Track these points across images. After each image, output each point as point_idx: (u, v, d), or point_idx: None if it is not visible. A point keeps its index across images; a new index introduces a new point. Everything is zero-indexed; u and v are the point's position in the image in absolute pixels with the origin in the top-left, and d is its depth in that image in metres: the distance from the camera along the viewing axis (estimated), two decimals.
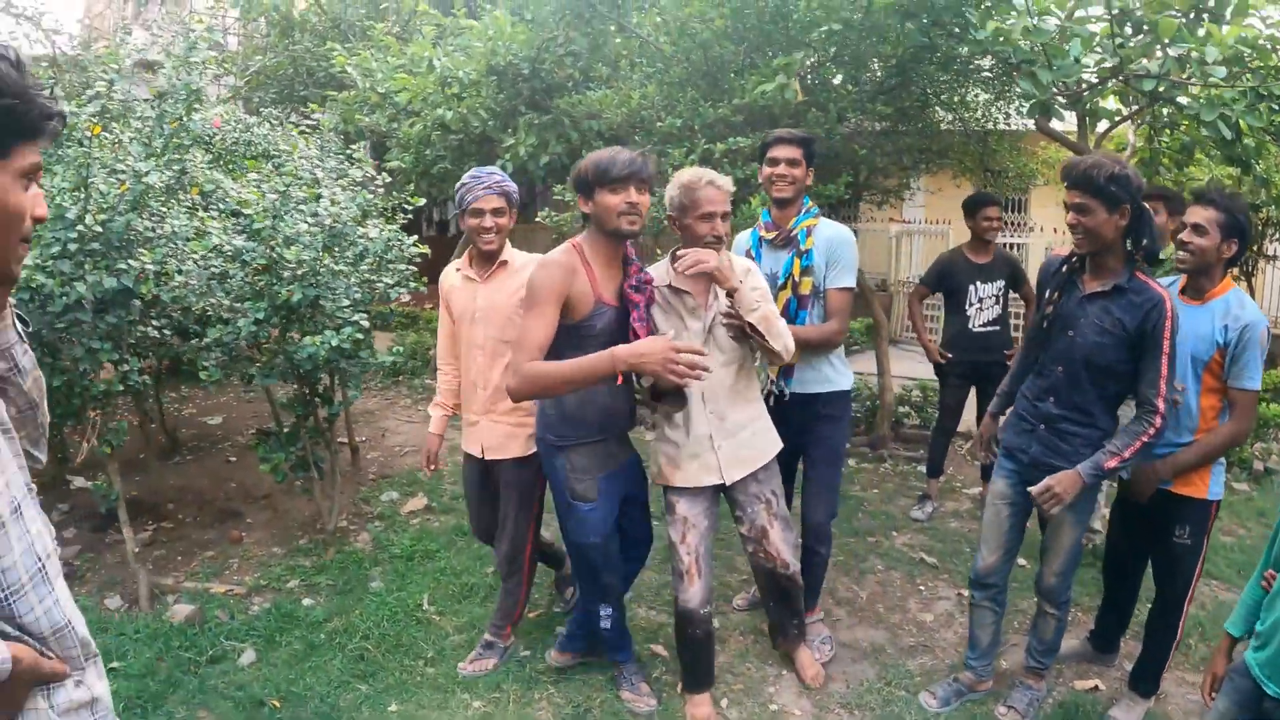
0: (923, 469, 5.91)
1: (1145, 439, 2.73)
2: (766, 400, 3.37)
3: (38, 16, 7.48)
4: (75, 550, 4.59)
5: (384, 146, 7.41)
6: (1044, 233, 11.87)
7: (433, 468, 3.59)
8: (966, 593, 4.17)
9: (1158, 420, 2.71)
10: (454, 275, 3.41)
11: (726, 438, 2.98)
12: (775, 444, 3.13)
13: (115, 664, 3.51)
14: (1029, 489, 2.88)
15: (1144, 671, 3.28)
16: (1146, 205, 2.72)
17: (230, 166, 5.29)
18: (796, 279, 3.37)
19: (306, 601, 4.05)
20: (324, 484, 4.70)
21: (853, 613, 4.01)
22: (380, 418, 7.23)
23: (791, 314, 3.38)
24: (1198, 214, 2.86)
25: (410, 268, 4.67)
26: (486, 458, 3.35)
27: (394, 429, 6.91)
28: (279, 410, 4.62)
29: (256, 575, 4.34)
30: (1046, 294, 2.97)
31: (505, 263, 3.30)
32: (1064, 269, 2.93)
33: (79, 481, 5.45)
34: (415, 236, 4.70)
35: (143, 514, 5.08)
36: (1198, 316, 2.93)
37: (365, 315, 4.07)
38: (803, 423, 3.49)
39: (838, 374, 3.53)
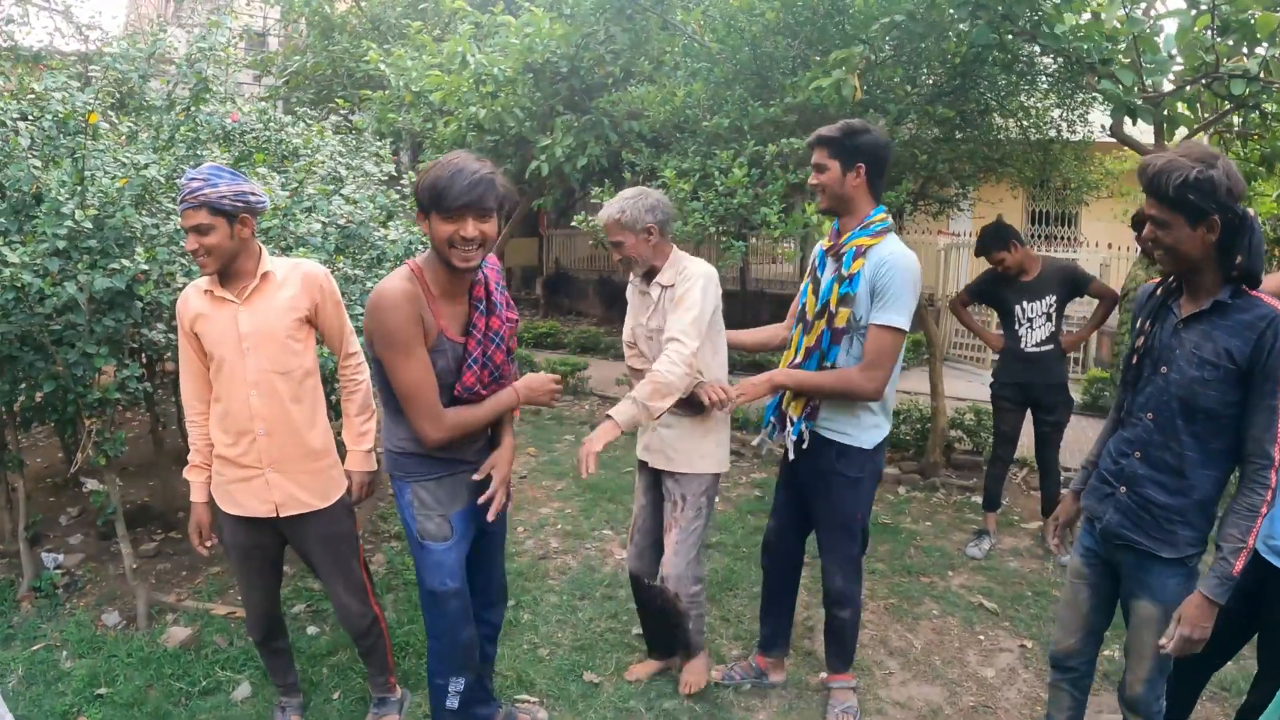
0: (977, 499, 5.54)
1: (1266, 510, 2.11)
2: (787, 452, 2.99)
3: (68, 11, 7.34)
4: (79, 559, 4.37)
5: (421, 147, 7.20)
6: (1098, 248, 11.36)
7: (209, 544, 2.87)
8: (1029, 644, 3.83)
9: (1273, 477, 2.11)
10: (197, 298, 2.67)
11: (662, 426, 3.07)
12: (700, 462, 3.07)
13: (103, 690, 3.26)
14: (1163, 649, 2.25)
15: None
16: (1248, 213, 2.13)
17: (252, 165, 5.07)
18: (833, 309, 2.79)
19: (311, 630, 3.76)
20: None
21: (906, 665, 3.62)
22: None
23: (824, 348, 2.84)
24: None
25: None
26: (281, 515, 2.74)
27: None
28: None
29: None
30: (1137, 325, 2.43)
31: (267, 274, 2.68)
32: (1157, 292, 2.40)
33: (92, 484, 5.24)
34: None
35: (152, 521, 4.85)
36: None
37: None
38: (811, 472, 2.96)
39: (860, 427, 2.90)
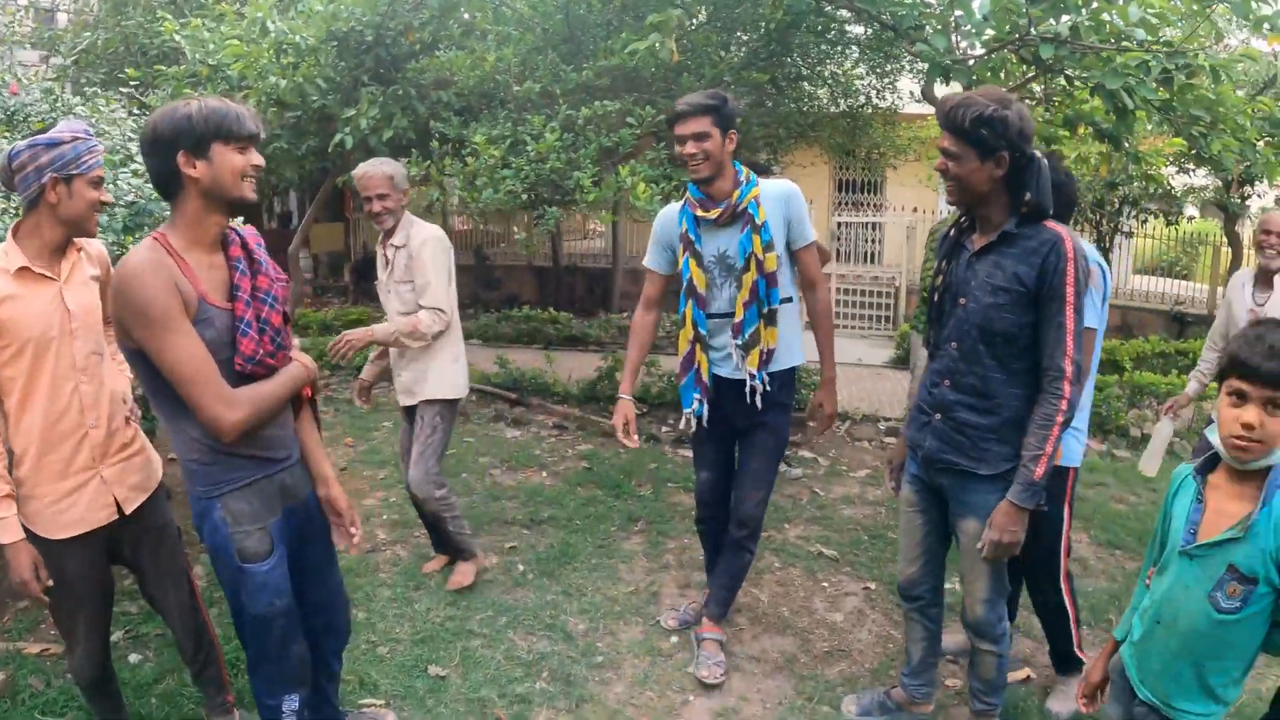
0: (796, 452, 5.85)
1: (1061, 419, 2.27)
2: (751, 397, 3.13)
3: None
4: None
5: None
6: (903, 211, 11.97)
7: (50, 583, 2.36)
8: (873, 585, 3.97)
9: (1066, 388, 2.26)
10: None
11: (404, 371, 3.71)
12: (433, 389, 3.65)
13: None
14: (982, 555, 2.43)
15: (1058, 652, 3.12)
16: (1036, 155, 2.30)
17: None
18: (761, 257, 3.01)
19: (134, 658, 3.37)
20: None
21: (755, 619, 3.66)
22: None
23: (762, 296, 3.04)
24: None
25: None
26: (127, 510, 2.46)
27: None
28: None
29: None
30: (937, 265, 2.58)
31: (80, 247, 2.43)
32: (951, 233, 2.54)
33: None
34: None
35: None
36: None
37: None
38: (749, 413, 3.15)
39: (790, 351, 3.19)
